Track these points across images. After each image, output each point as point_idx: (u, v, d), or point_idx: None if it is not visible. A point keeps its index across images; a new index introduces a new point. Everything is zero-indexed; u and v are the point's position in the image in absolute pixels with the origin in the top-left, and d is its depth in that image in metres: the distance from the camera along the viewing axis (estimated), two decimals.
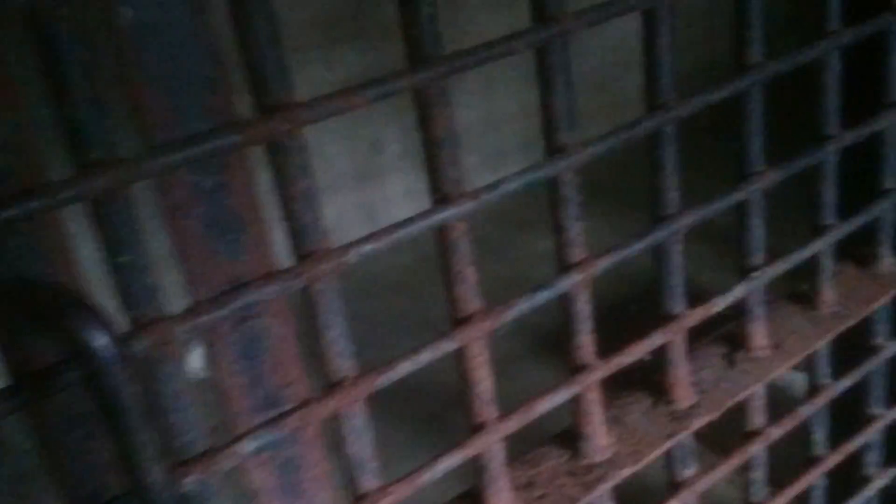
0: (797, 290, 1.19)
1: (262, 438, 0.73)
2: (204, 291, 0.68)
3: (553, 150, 0.84)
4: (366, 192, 4.23)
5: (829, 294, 1.16)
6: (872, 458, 1.32)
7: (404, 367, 0.79)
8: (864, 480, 1.31)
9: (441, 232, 0.79)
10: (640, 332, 0.99)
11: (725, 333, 1.13)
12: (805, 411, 1.18)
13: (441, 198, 0.78)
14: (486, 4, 4.21)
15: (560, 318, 0.92)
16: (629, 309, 2.69)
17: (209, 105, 0.63)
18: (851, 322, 1.15)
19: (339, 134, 3.96)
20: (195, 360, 2.72)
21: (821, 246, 1.11)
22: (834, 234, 1.12)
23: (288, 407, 0.75)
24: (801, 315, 1.16)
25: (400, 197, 4.28)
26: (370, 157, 4.19)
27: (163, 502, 0.60)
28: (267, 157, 0.68)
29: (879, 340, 1.24)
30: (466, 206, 0.78)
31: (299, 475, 0.78)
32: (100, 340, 0.55)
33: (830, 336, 1.14)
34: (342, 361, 0.76)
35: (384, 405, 0.77)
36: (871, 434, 1.28)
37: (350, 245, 0.73)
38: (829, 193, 1.10)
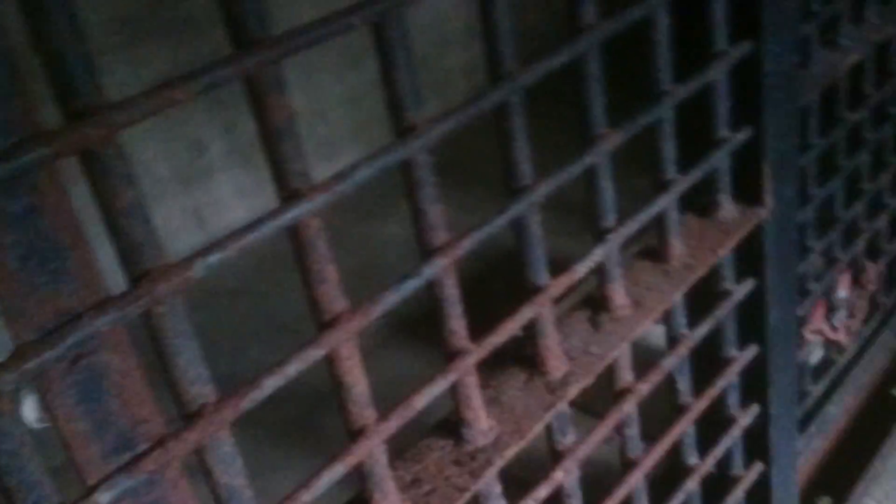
0: (648, 246, 1.20)
1: (118, 487, 0.64)
2: (28, 332, 0.59)
3: (403, 130, 0.79)
4: (192, 196, 4.00)
5: (677, 247, 1.18)
6: (733, 399, 1.37)
7: (271, 384, 0.73)
8: (728, 421, 1.36)
9: (295, 231, 0.73)
10: (509, 308, 0.96)
11: (587, 297, 1.13)
12: (668, 363, 1.20)
13: (290, 194, 0.71)
14: None
15: (413, 303, 0.87)
16: (492, 285, 2.69)
17: (6, 118, 0.54)
18: (701, 272, 1.18)
19: (155, 137, 3.72)
20: (28, 412, 2.50)
21: (666, 201, 1.13)
22: (677, 188, 1.14)
23: (143, 448, 0.66)
24: (654, 270, 1.18)
25: (230, 198, 4.08)
26: (192, 158, 3.97)
27: None
28: (83, 169, 0.59)
29: (727, 285, 1.28)
30: (319, 200, 0.72)
31: None
32: None
33: (684, 288, 1.17)
34: (199, 388, 0.69)
35: (246, 414, 0.70)
36: (730, 376, 1.33)
37: (193, 257, 0.65)
38: (669, 148, 1.12)
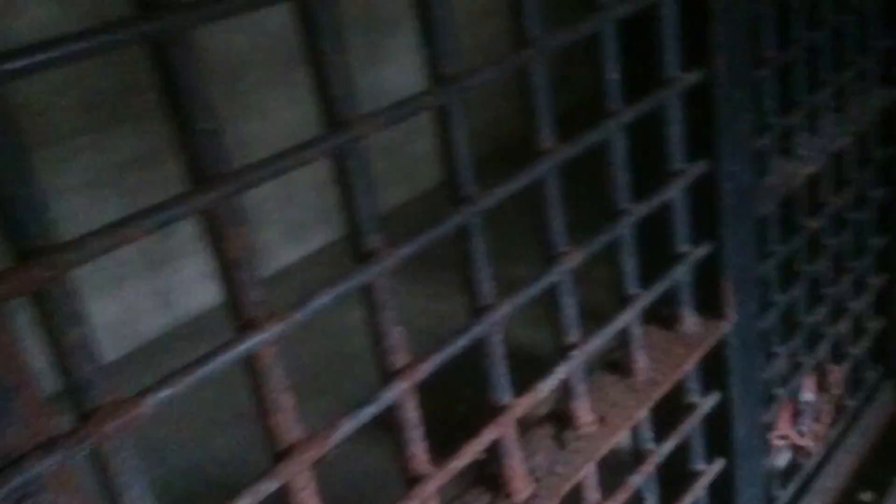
0: (611, 358, 1.21)
1: None
2: None
3: (362, 256, 0.80)
4: (159, 278, 3.97)
5: (642, 361, 1.18)
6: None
7: None
8: None
9: (250, 361, 0.72)
10: (471, 429, 0.95)
11: (551, 412, 1.12)
12: (635, 480, 1.18)
13: (245, 324, 0.71)
14: (267, 79, 4.15)
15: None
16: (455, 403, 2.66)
17: None
18: (666, 387, 1.18)
19: None
20: None
21: (629, 317, 1.14)
22: (639, 303, 1.14)
23: None
24: (619, 385, 1.17)
25: (197, 280, 4.05)
26: (160, 241, 3.94)
27: None
28: (31, 307, 0.58)
29: (692, 398, 1.28)
30: (275, 330, 0.71)
31: None
32: None
33: (650, 403, 1.16)
34: None
35: None
36: (697, 490, 1.31)
37: (143, 394, 0.64)
38: (630, 264, 1.13)
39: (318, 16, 0.71)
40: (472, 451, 0.93)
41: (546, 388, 1.01)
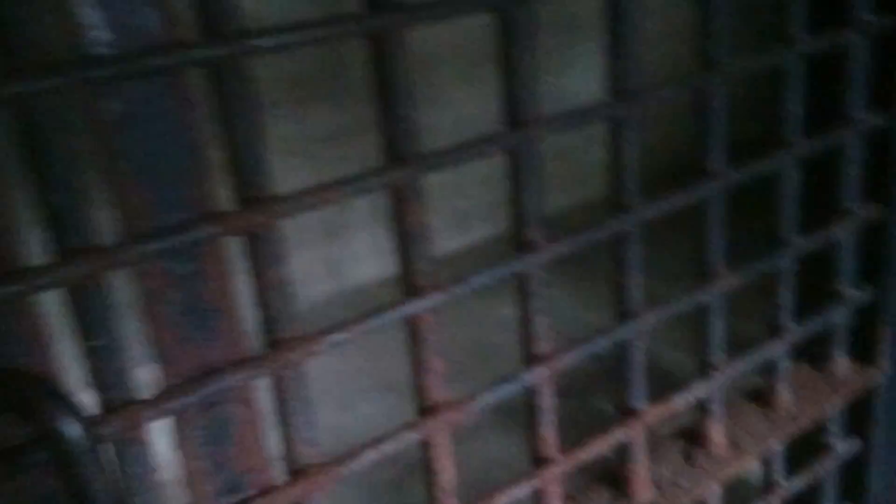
0: (754, 387, 1.21)
1: None
2: (175, 376, 0.69)
3: (522, 246, 0.87)
4: (332, 248, 4.24)
5: (784, 394, 1.19)
6: None
7: (368, 456, 0.80)
8: None
9: (410, 323, 0.81)
10: (602, 426, 1.00)
11: (685, 429, 1.15)
12: None
13: (411, 290, 0.80)
14: (457, 73, 4.30)
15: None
16: (592, 398, 2.69)
17: (189, 196, 0.65)
18: (805, 424, 1.18)
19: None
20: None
21: (777, 348, 1.15)
22: (790, 337, 1.15)
23: (250, 493, 0.75)
24: (757, 414, 1.18)
25: (366, 254, 4.29)
26: (337, 212, 4.20)
27: None
28: (243, 246, 0.70)
29: (832, 441, 1.27)
30: (436, 299, 0.80)
31: None
32: (69, 428, 0.55)
33: (785, 437, 1.17)
34: (306, 448, 0.77)
35: None
36: None
37: (320, 334, 0.74)
38: (786, 297, 1.14)
39: (515, 22, 0.78)
40: (599, 447, 0.98)
41: (681, 401, 1.05)
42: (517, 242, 0.88)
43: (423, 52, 4.17)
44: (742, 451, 1.12)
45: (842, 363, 1.25)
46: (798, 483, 1.22)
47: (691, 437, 1.14)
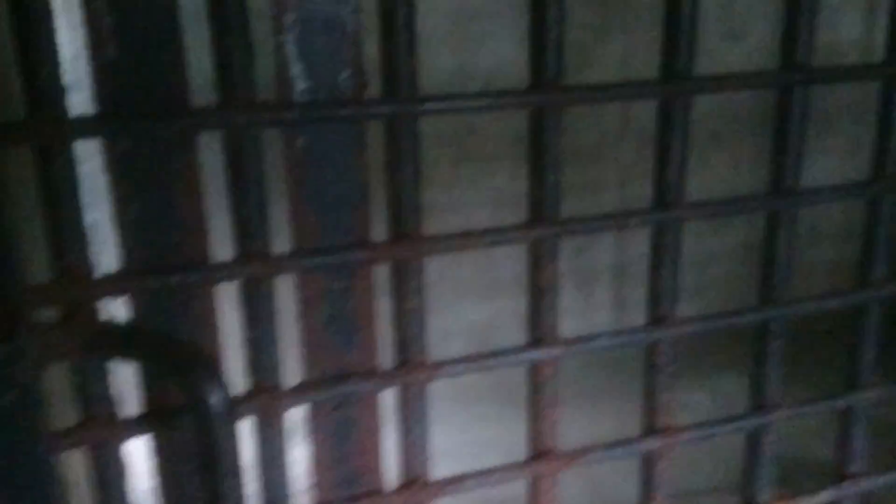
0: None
1: None
2: (315, 372, 0.80)
3: (654, 319, 0.91)
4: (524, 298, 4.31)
5: None
6: None
7: (473, 484, 0.87)
8: None
9: (532, 369, 0.88)
10: None
11: None
12: None
13: (535, 339, 0.87)
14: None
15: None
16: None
17: (350, 224, 0.77)
18: None
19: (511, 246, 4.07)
20: None
21: None
22: None
23: (362, 490, 0.84)
24: None
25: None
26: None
27: None
28: (389, 275, 0.80)
29: None
30: (557, 351, 0.86)
31: None
32: (215, 399, 0.67)
33: None
34: (418, 462, 0.86)
35: None
36: None
37: (444, 363, 0.83)
38: None
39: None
40: None
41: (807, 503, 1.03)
42: (650, 315, 0.92)
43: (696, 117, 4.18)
44: None
45: None
46: None
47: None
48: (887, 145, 0.95)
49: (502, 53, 3.91)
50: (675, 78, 0.82)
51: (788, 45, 0.87)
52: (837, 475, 1.05)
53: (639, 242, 4.47)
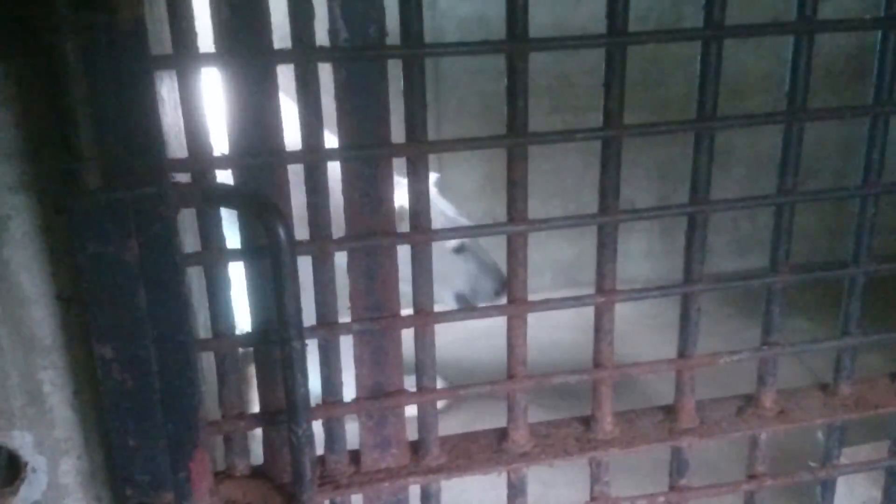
0: (821, 383, 1.45)
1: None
2: (352, 231, 1.20)
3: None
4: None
5: (844, 387, 1.42)
6: None
7: (460, 316, 1.25)
8: None
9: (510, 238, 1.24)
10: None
11: (745, 396, 1.43)
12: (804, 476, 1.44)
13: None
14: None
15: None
16: None
17: (375, 130, 1.15)
18: (857, 414, 1.40)
19: None
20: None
21: (841, 344, 1.38)
22: (851, 340, 1.38)
23: (384, 314, 1.24)
24: (815, 397, 1.43)
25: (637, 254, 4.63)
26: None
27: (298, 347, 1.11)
28: (406, 168, 1.18)
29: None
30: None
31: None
32: (283, 233, 1.07)
33: (831, 418, 1.40)
34: (425, 299, 1.24)
35: None
36: None
37: (439, 231, 1.21)
38: (856, 307, 1.37)
39: None
40: (648, 370, 1.33)
41: (727, 358, 1.35)
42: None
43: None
44: (787, 416, 1.39)
45: None
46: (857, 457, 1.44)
47: (747, 400, 1.42)
48: None
49: (596, 9, 4.19)
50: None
51: None
52: (762, 345, 1.36)
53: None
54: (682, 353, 1.34)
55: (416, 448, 1.31)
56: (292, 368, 1.10)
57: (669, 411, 1.40)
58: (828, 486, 1.46)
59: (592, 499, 1.39)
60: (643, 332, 3.72)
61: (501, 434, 1.34)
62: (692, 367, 1.35)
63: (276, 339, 1.11)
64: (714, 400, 1.44)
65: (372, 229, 1.20)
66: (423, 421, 1.29)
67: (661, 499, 1.41)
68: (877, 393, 1.43)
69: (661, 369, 1.35)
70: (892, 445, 1.47)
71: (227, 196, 1.10)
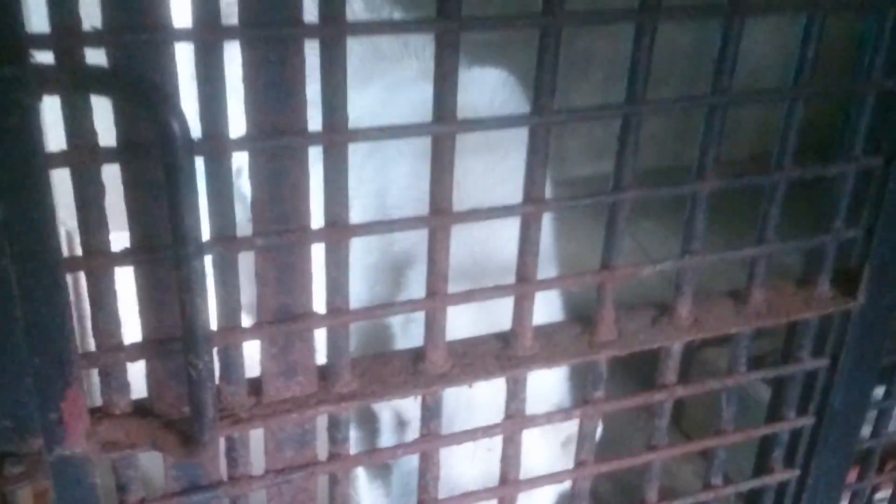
0: (734, 291, 1.43)
1: None
2: (252, 130, 1.01)
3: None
4: None
5: (757, 295, 1.39)
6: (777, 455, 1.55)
7: (381, 229, 1.11)
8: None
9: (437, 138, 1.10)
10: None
11: (660, 302, 1.39)
12: (716, 384, 1.43)
13: None
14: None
15: None
16: None
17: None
18: (771, 322, 1.39)
19: None
20: None
21: (757, 252, 1.36)
22: (768, 248, 1.35)
23: (291, 227, 1.08)
24: (727, 306, 1.40)
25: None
26: None
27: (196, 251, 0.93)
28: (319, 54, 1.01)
29: (801, 354, 1.47)
30: None
31: None
32: (177, 126, 0.88)
33: (745, 327, 1.38)
34: (338, 209, 1.08)
35: None
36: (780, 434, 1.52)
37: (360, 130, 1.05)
38: (774, 214, 1.34)
39: None
40: (572, 284, 1.25)
41: (650, 270, 1.29)
42: None
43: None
44: (701, 326, 1.36)
45: (822, 289, 1.44)
46: (757, 375, 1.44)
47: (662, 309, 1.38)
48: None
49: None
50: None
51: None
52: (681, 253, 1.31)
53: None
54: (606, 265, 1.27)
55: (325, 374, 1.18)
56: (191, 292, 0.93)
57: (587, 324, 1.34)
58: (732, 392, 1.46)
59: (507, 416, 1.32)
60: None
61: (417, 355, 1.23)
62: (616, 279, 1.27)
63: (170, 256, 0.93)
64: (627, 310, 1.38)
65: (277, 128, 1.02)
66: (334, 344, 1.15)
67: (578, 411, 1.36)
68: (786, 301, 1.42)
69: (584, 282, 1.27)
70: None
71: (101, 79, 0.89)
